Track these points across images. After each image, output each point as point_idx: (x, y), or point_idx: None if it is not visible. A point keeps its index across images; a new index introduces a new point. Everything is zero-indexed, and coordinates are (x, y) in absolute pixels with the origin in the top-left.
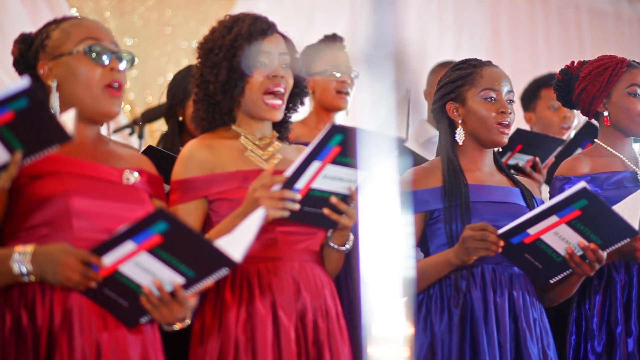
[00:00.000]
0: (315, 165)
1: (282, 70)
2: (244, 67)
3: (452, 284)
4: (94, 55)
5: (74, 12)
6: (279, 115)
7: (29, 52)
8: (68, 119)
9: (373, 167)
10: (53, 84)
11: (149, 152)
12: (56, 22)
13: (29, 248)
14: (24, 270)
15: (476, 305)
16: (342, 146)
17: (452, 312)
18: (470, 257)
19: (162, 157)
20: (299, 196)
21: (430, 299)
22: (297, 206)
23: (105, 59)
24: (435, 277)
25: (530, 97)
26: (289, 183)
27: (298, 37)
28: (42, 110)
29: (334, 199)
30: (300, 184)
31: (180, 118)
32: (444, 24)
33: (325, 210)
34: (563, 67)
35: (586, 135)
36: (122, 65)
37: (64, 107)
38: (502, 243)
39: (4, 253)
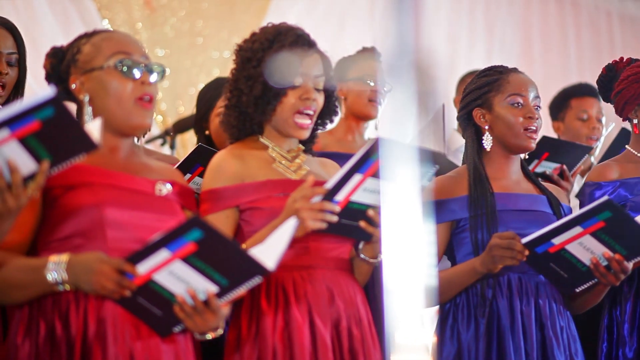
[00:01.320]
0: (356, 178)
1: (314, 92)
2: (280, 86)
3: (478, 293)
4: (124, 69)
5: (105, 23)
6: (306, 135)
7: (60, 65)
8: (94, 128)
9: (397, 176)
10: (85, 99)
11: (200, 151)
12: (87, 36)
13: (63, 257)
14: (59, 279)
15: (503, 314)
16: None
17: (478, 321)
18: (496, 265)
19: (212, 155)
20: (338, 208)
21: (457, 307)
22: (335, 218)
23: (136, 73)
24: (461, 286)
25: (559, 106)
26: (329, 195)
27: (328, 44)
28: (68, 119)
29: (371, 212)
30: (340, 196)
31: (207, 132)
32: (474, 32)
33: (362, 223)
34: (608, 64)
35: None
36: (153, 78)
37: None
38: (526, 252)
39: (38, 263)
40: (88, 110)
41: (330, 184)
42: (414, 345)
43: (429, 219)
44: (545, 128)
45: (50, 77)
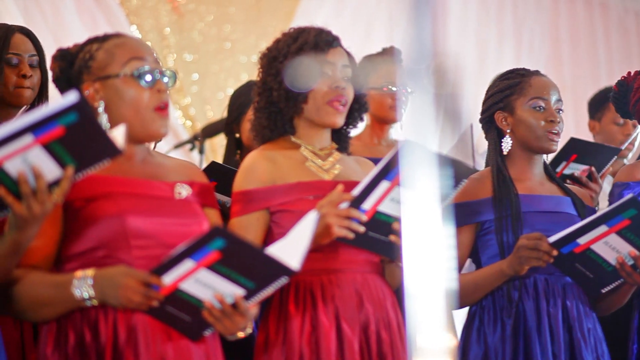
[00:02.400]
0: (383, 185)
1: (344, 82)
2: (309, 77)
3: (504, 295)
4: (142, 81)
5: (134, 29)
6: (340, 121)
7: (70, 69)
8: (118, 134)
9: (418, 178)
10: (100, 105)
11: (213, 168)
12: (98, 41)
13: (89, 272)
14: (86, 295)
15: (529, 316)
16: None
17: (505, 323)
18: (523, 267)
19: (225, 172)
20: (365, 217)
21: (483, 310)
22: (362, 228)
23: (152, 81)
24: (488, 288)
25: (598, 105)
26: (357, 202)
27: (356, 50)
28: (92, 125)
29: (397, 225)
30: (367, 204)
31: (237, 135)
32: (502, 35)
33: (392, 237)
34: (620, 78)
35: None
36: (167, 81)
37: (112, 128)
38: (555, 253)
39: (64, 279)
40: (104, 117)
41: (357, 191)
42: (437, 349)
43: (452, 221)
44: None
45: (58, 80)
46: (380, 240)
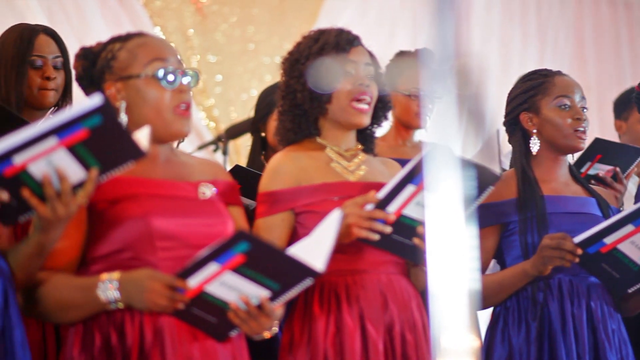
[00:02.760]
0: (409, 189)
1: (367, 80)
2: (332, 76)
3: (529, 296)
4: (163, 81)
5: (157, 30)
6: (366, 120)
7: (93, 68)
8: (142, 136)
9: (441, 183)
10: (122, 106)
11: (236, 171)
12: (120, 41)
13: (114, 275)
14: (112, 298)
15: (554, 317)
16: None
17: (529, 324)
18: (547, 267)
19: (249, 175)
20: (392, 217)
21: (507, 311)
22: (388, 229)
23: (174, 82)
24: (512, 289)
25: (625, 105)
26: (382, 205)
27: (380, 51)
28: (116, 127)
29: (421, 229)
30: (393, 207)
31: (263, 134)
32: (526, 35)
33: (416, 240)
34: None
35: None
36: (188, 81)
37: (133, 128)
38: (579, 252)
39: (89, 282)
40: (124, 118)
41: (382, 193)
42: (460, 350)
43: (477, 222)
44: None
45: (81, 79)
46: (404, 243)
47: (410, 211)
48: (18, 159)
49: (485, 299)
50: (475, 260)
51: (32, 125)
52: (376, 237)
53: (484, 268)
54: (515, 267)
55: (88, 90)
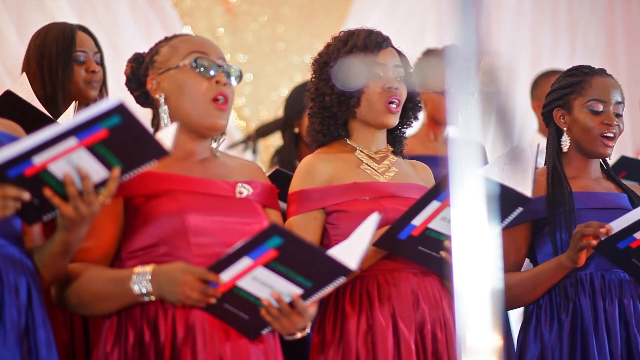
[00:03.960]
0: (434, 205)
1: (396, 82)
2: (360, 78)
3: (560, 292)
4: (200, 69)
5: (187, 30)
6: (394, 121)
7: (139, 69)
8: (168, 134)
9: (464, 177)
10: (161, 98)
11: (277, 175)
12: (167, 39)
13: (148, 268)
14: (144, 290)
15: (586, 314)
16: None
17: (562, 321)
18: (579, 255)
19: (289, 179)
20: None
21: (539, 309)
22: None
23: (212, 72)
24: (549, 283)
25: None
26: (407, 218)
27: (409, 50)
28: (136, 127)
29: (448, 243)
30: (418, 221)
31: (297, 130)
32: (557, 33)
33: (443, 253)
34: None
35: None
36: (230, 80)
37: (173, 119)
38: (608, 228)
39: (123, 274)
40: (164, 109)
41: (410, 209)
42: (484, 349)
43: (512, 220)
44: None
45: (129, 82)
46: (431, 255)
47: (436, 226)
48: (38, 159)
49: (521, 295)
50: (498, 260)
51: (50, 127)
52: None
53: (518, 266)
54: (549, 261)
55: (135, 93)
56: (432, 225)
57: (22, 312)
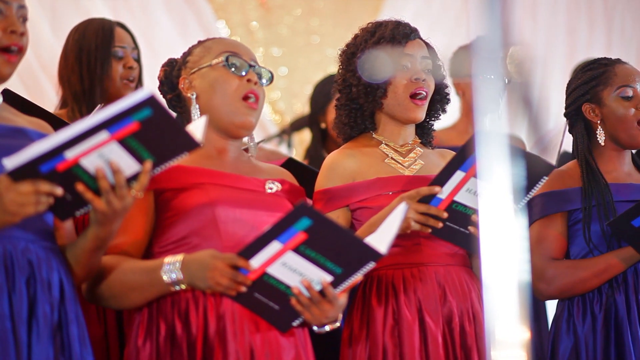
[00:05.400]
0: (458, 175)
1: (424, 74)
2: (387, 70)
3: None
4: (232, 67)
5: (221, 24)
6: (421, 115)
7: (172, 71)
8: (198, 127)
9: (492, 171)
10: (192, 96)
11: (289, 164)
12: (200, 42)
13: (178, 257)
14: (175, 278)
15: (620, 307)
16: None
17: (595, 314)
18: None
19: (301, 169)
20: (445, 214)
21: (572, 302)
22: (440, 224)
23: (242, 71)
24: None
25: None
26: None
27: (443, 43)
28: (167, 119)
29: (475, 217)
30: (443, 194)
31: (323, 125)
32: (593, 23)
33: (471, 229)
34: None
35: None
36: (261, 81)
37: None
38: None
39: (154, 264)
40: (195, 108)
41: (433, 183)
42: (511, 341)
43: (543, 210)
44: None
45: (162, 86)
46: (458, 231)
47: (461, 198)
48: (70, 154)
49: (588, 280)
50: (525, 251)
51: (81, 121)
52: (429, 230)
53: (560, 254)
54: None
55: (168, 96)
56: (458, 198)
57: (55, 308)
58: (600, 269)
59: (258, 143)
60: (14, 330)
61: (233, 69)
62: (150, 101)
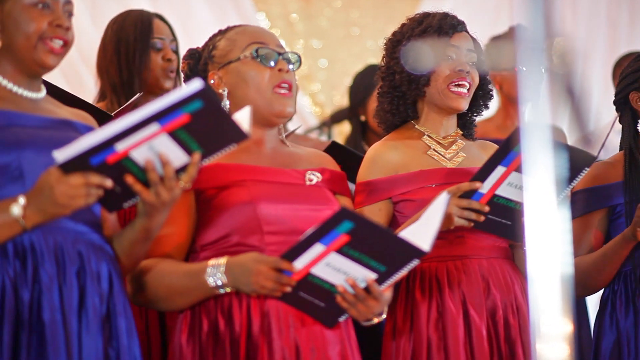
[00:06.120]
0: (499, 170)
1: (468, 66)
2: (433, 58)
3: (636, 279)
4: (261, 59)
5: (261, 16)
6: (464, 105)
7: (197, 65)
8: (243, 118)
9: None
10: (224, 92)
11: (333, 148)
12: (221, 33)
13: (221, 260)
14: (219, 282)
15: None
16: None
17: (637, 308)
18: (636, 228)
19: (345, 154)
20: (486, 208)
21: (615, 295)
22: (482, 217)
23: (272, 61)
24: (617, 258)
25: None
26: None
27: (483, 35)
28: (217, 111)
29: (519, 208)
30: (484, 189)
31: (363, 118)
32: (634, 15)
33: (516, 218)
34: None
35: None
36: (290, 66)
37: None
38: None
39: (197, 267)
40: (226, 103)
41: (474, 179)
42: (555, 334)
43: (585, 206)
44: None
45: (188, 78)
46: (501, 223)
47: (503, 192)
48: (120, 146)
49: (593, 276)
50: (569, 245)
51: (133, 113)
52: (471, 224)
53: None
54: (616, 237)
55: None
56: (500, 191)
57: (104, 300)
58: (602, 264)
59: (288, 135)
60: (64, 322)
61: (262, 60)
62: (202, 93)
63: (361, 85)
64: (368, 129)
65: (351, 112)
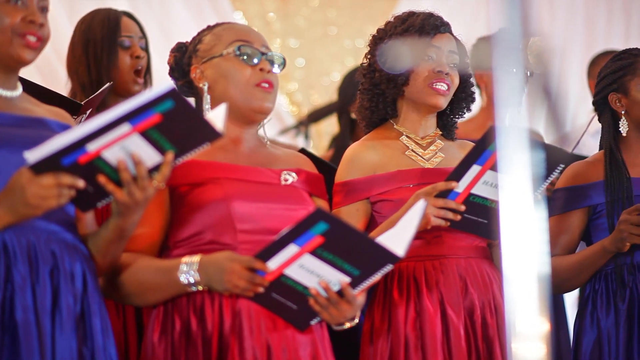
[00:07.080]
0: (474, 169)
1: (448, 67)
2: (412, 58)
3: (617, 279)
4: (244, 57)
5: (239, 15)
6: (442, 102)
7: (182, 58)
8: (218, 116)
9: (509, 163)
10: (204, 86)
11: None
12: (209, 28)
13: (195, 258)
14: (192, 280)
15: None
16: None
17: (618, 307)
18: (624, 243)
19: (313, 161)
20: (462, 207)
21: (596, 294)
22: (458, 217)
23: (255, 60)
24: (593, 268)
25: None
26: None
27: (462, 33)
28: (188, 111)
29: (494, 206)
30: (460, 188)
31: (353, 115)
32: (611, 14)
33: (492, 217)
34: None
35: None
36: (273, 68)
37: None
38: None
39: (171, 264)
40: (207, 98)
41: (449, 178)
42: (531, 334)
43: (564, 205)
44: None
45: (173, 71)
46: (477, 221)
47: (479, 191)
48: (92, 147)
49: (568, 280)
50: (545, 244)
51: (104, 113)
52: (448, 224)
53: (570, 251)
54: (594, 245)
55: (179, 82)
56: (475, 190)
57: (77, 299)
58: (577, 270)
59: (265, 123)
60: (37, 322)
61: (245, 58)
62: (172, 94)
63: (351, 83)
64: (357, 127)
65: (341, 110)
